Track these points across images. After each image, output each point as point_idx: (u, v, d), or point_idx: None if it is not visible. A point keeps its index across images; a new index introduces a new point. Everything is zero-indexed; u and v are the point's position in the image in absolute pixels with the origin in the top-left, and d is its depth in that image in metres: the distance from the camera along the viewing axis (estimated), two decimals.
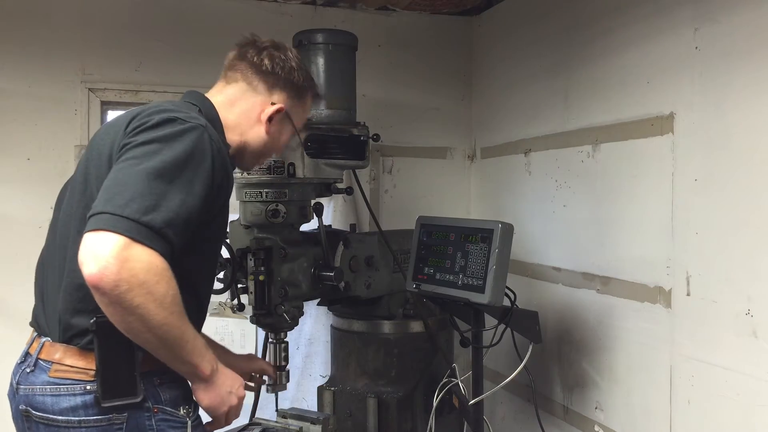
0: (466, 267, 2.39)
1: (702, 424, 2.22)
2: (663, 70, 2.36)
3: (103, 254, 1.31)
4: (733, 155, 2.10)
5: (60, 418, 1.48)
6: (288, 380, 2.41)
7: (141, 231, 1.33)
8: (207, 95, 1.76)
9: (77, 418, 1.47)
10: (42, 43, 3.03)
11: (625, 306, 2.53)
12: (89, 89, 3.10)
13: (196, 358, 1.50)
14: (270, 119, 1.76)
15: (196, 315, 1.63)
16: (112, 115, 3.21)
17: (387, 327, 2.72)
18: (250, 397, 2.67)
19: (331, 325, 2.90)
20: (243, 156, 1.80)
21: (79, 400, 1.48)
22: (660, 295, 2.37)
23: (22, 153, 3.00)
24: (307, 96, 1.88)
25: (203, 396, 1.58)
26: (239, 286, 2.34)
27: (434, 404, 2.62)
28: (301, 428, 2.39)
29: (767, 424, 2.00)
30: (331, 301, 2.79)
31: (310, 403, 3.16)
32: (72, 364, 1.50)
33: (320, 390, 2.79)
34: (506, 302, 2.43)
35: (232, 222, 2.51)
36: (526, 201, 3.19)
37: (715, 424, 2.17)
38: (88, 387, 1.48)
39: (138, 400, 1.49)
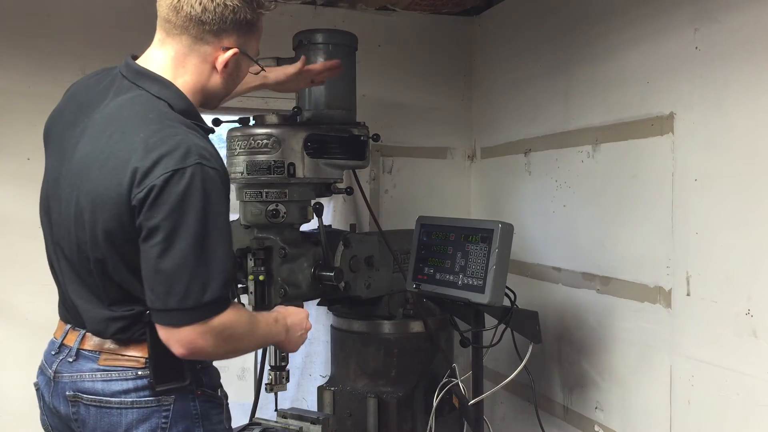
0: (466, 267, 2.39)
1: (702, 424, 2.22)
2: (663, 70, 2.36)
3: (186, 342, 1.49)
4: (733, 155, 2.10)
5: (113, 399, 1.56)
6: (288, 380, 2.41)
7: (207, 310, 1.48)
8: (150, 58, 1.65)
9: (130, 399, 1.56)
10: (42, 43, 3.02)
11: (625, 306, 2.53)
12: None
13: (273, 340, 1.77)
14: (226, 65, 1.67)
15: None
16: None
17: (387, 327, 2.72)
18: (250, 397, 2.68)
19: (331, 325, 2.90)
20: (206, 103, 1.74)
21: (131, 384, 1.57)
22: (660, 295, 2.37)
23: (22, 153, 3.00)
24: (258, 24, 1.72)
25: (283, 349, 1.99)
26: (239, 286, 2.34)
27: (434, 404, 2.62)
28: (301, 428, 2.39)
29: (767, 424, 2.00)
30: (331, 301, 2.79)
31: (310, 403, 3.16)
32: (122, 353, 1.58)
33: (320, 390, 2.79)
34: (506, 302, 2.44)
35: (232, 222, 2.50)
36: (526, 201, 3.19)
37: (715, 424, 2.17)
38: (139, 373, 1.57)
39: (186, 383, 1.60)
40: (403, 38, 3.56)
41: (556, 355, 2.93)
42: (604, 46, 2.66)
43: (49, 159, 1.70)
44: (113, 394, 1.56)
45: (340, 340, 2.82)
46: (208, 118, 2.45)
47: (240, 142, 2.35)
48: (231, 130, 2.42)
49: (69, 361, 1.61)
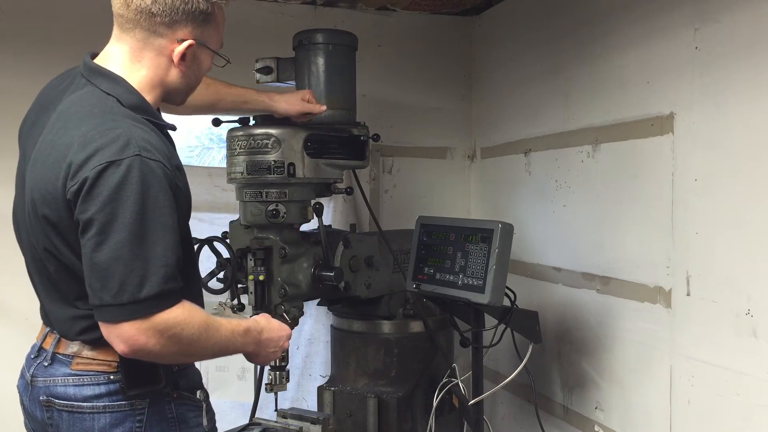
0: (466, 267, 2.39)
1: (702, 424, 2.22)
2: (663, 70, 2.36)
3: (125, 338, 1.43)
4: (733, 155, 2.10)
5: (85, 404, 1.55)
6: (288, 380, 2.41)
7: (146, 306, 1.43)
8: (107, 55, 1.63)
9: (102, 404, 1.55)
10: (42, 43, 3.03)
11: (625, 306, 2.53)
12: None
13: (235, 351, 1.67)
14: (183, 58, 1.63)
15: (196, 300, 1.68)
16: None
17: (387, 327, 2.72)
18: (250, 397, 2.68)
19: (331, 325, 2.90)
20: (170, 99, 1.71)
21: (103, 388, 1.55)
22: (660, 295, 2.37)
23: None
24: (215, 14, 1.67)
25: (254, 361, 1.78)
26: (239, 286, 2.34)
27: (434, 404, 2.62)
28: (301, 428, 2.39)
29: (767, 424, 2.00)
30: (331, 301, 2.80)
31: (310, 403, 3.16)
32: (93, 357, 1.56)
33: (320, 390, 2.79)
34: (506, 302, 2.44)
35: (232, 222, 2.51)
36: (526, 201, 3.19)
37: (715, 424, 2.17)
38: (111, 377, 1.55)
39: (160, 386, 1.57)
40: (403, 38, 3.56)
41: (556, 355, 2.93)
42: (604, 46, 2.66)
43: (19, 161, 1.71)
44: (85, 399, 1.54)
45: (340, 340, 2.82)
46: (206, 119, 2.48)
47: (240, 142, 2.35)
48: (231, 130, 2.42)
49: (44, 365, 1.60)
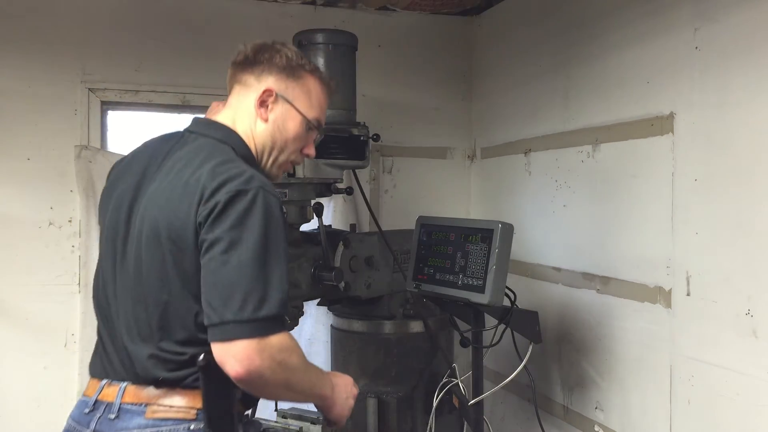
0: (466, 267, 2.39)
1: (702, 424, 2.22)
2: (663, 70, 2.36)
3: (241, 357, 1.41)
4: (733, 155, 2.10)
5: None
6: None
7: (264, 326, 1.43)
8: (219, 119, 1.71)
9: None
10: (42, 43, 3.03)
11: (625, 306, 2.53)
12: (89, 89, 3.10)
13: (321, 390, 1.64)
14: (263, 104, 1.67)
15: None
16: (112, 115, 3.21)
17: (387, 327, 2.72)
18: None
19: (331, 325, 2.90)
20: (258, 160, 1.71)
21: None
22: (660, 295, 2.37)
23: (22, 153, 3.00)
24: (303, 75, 1.72)
25: (329, 413, 1.72)
26: None
27: (434, 404, 2.62)
28: (301, 428, 2.39)
29: (767, 424, 2.00)
30: (331, 301, 2.79)
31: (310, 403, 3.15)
32: (171, 404, 1.51)
33: None
34: (506, 302, 2.43)
35: None
36: (526, 201, 3.19)
37: (715, 424, 2.17)
38: (192, 427, 1.51)
39: None
40: (403, 38, 3.56)
41: (556, 355, 2.93)
42: (604, 46, 2.66)
43: (109, 212, 1.65)
44: None
45: (340, 340, 2.82)
46: None
47: None
48: None
49: (110, 419, 1.52)
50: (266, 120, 1.68)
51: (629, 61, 2.52)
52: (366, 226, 3.37)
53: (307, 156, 1.82)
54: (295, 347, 1.51)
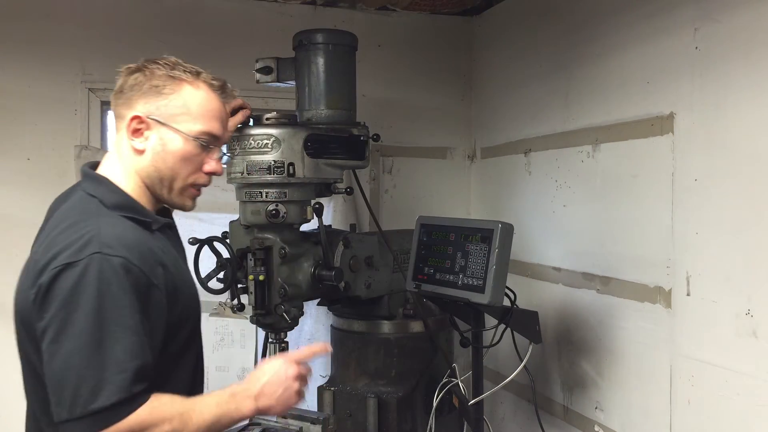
0: (466, 267, 2.39)
1: (702, 424, 2.22)
2: (663, 71, 2.36)
3: None
4: (733, 155, 2.10)
5: None
6: None
7: (103, 418, 1.32)
8: (102, 164, 1.59)
9: None
10: (42, 43, 3.03)
11: (625, 306, 2.53)
12: (89, 89, 3.10)
13: (233, 416, 1.51)
14: (136, 133, 1.52)
15: (188, 385, 1.61)
16: (112, 115, 3.21)
17: (387, 327, 2.72)
18: None
19: (331, 325, 2.90)
20: (157, 195, 1.57)
21: None
22: (660, 295, 2.37)
23: (22, 153, 3.00)
24: (178, 87, 1.55)
25: (272, 413, 1.62)
26: (239, 286, 2.34)
27: (434, 404, 2.62)
28: (301, 428, 2.39)
29: (767, 424, 2.00)
30: (331, 301, 2.79)
31: (310, 403, 3.15)
32: None
33: (320, 390, 2.79)
34: (506, 302, 2.44)
35: (232, 222, 2.51)
36: (526, 201, 3.19)
37: (715, 424, 2.17)
38: None
39: None
40: (403, 38, 3.56)
41: (556, 355, 2.93)
42: (604, 46, 2.66)
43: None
44: None
45: (340, 340, 2.82)
46: None
47: (240, 142, 2.35)
48: None
49: None
50: (142, 151, 1.53)
51: (629, 62, 2.52)
52: (366, 226, 3.37)
53: (213, 174, 1.61)
54: (156, 419, 1.36)
